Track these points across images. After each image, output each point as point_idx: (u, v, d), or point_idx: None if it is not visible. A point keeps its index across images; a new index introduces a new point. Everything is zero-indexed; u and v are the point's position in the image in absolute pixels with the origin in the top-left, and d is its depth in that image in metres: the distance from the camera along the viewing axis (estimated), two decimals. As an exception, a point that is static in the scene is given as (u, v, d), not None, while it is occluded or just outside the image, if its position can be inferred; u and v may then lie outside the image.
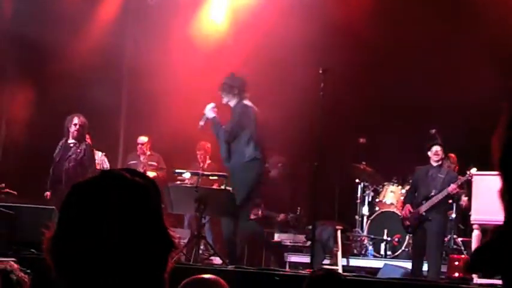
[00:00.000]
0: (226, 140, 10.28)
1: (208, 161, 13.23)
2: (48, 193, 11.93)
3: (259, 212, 12.29)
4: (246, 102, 10.41)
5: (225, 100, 10.39)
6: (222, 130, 10.30)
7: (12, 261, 3.64)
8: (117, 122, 15.36)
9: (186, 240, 10.95)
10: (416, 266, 10.78)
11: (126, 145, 15.11)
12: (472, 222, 10.30)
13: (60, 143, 11.91)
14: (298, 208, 12.91)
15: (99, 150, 13.47)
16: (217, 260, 11.00)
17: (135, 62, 14.73)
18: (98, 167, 12.81)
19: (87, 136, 12.88)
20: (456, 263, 10.07)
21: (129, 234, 1.87)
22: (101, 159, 13.33)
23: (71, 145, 11.79)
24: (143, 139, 13.43)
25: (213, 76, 13.00)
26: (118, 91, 15.21)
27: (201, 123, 10.47)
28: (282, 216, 12.56)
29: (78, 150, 11.73)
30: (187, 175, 11.56)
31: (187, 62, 13.50)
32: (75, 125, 11.73)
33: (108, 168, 13.19)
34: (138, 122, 14.50)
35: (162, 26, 14.14)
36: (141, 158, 13.43)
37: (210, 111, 10.40)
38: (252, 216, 12.07)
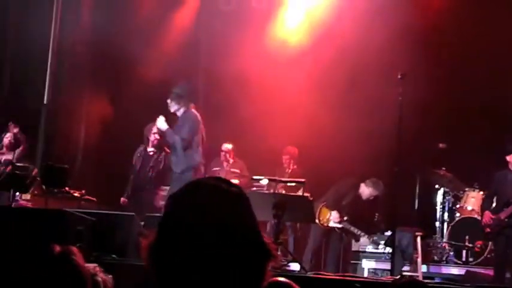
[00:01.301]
0: (184, 148, 10.72)
1: (294, 166, 13.15)
2: (124, 199, 12.03)
3: (339, 222, 12.09)
4: (193, 110, 10.92)
5: (173, 109, 10.93)
6: (178, 138, 10.71)
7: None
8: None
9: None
10: (499, 273, 10.56)
11: (203, 151, 15.14)
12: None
13: (139, 151, 12.01)
14: (376, 214, 12.75)
15: None
16: (295, 266, 10.96)
17: (212, 68, 14.77)
18: None
19: None
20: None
21: (228, 243, 1.88)
22: None
23: (151, 154, 11.88)
24: (227, 146, 13.39)
25: (290, 82, 13.00)
26: (195, 97, 15.27)
27: (157, 136, 11.16)
28: (361, 237, 12.24)
29: (159, 160, 11.82)
30: (264, 181, 11.52)
31: (264, 69, 13.48)
32: (155, 133, 11.81)
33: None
34: (215, 129, 14.54)
35: (236, 32, 14.15)
36: (224, 165, 13.40)
37: (162, 123, 10.95)
38: (332, 224, 11.97)
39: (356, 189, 12.23)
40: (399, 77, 10.06)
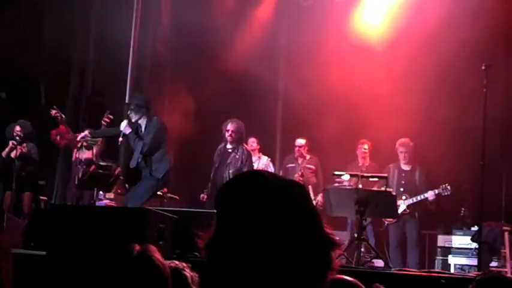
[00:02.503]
0: (145, 152, 11.06)
1: (367, 161, 13.01)
2: (203, 196, 12.08)
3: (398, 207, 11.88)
4: (159, 118, 11.34)
5: (134, 119, 11.20)
6: (141, 143, 11.06)
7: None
8: (273, 122, 15.41)
9: (346, 243, 10.85)
10: None
11: (282, 146, 15.12)
12: None
13: (219, 148, 12.02)
14: (462, 209, 12.51)
15: (265, 155, 13.58)
16: (379, 263, 10.84)
17: (291, 63, 14.74)
18: None
19: (255, 140, 13.07)
20: None
21: (290, 234, 1.84)
22: (265, 164, 13.35)
23: (229, 150, 11.88)
24: (301, 141, 13.28)
25: (372, 77, 12.84)
26: (274, 92, 15.27)
27: (120, 139, 11.33)
28: (430, 194, 11.91)
29: (237, 156, 11.79)
30: (346, 177, 11.42)
31: (344, 63, 13.36)
32: (228, 130, 11.81)
33: None
34: (292, 124, 14.51)
35: (317, 27, 14.06)
36: (300, 161, 13.32)
37: (125, 128, 11.18)
38: (402, 208, 11.75)
39: (394, 169, 12.07)
40: (483, 68, 9.89)
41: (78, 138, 12.25)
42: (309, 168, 13.19)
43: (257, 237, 1.82)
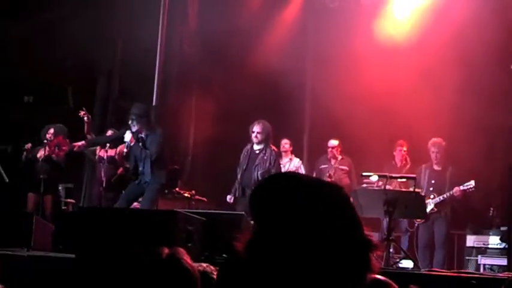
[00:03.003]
0: (153, 160, 11.29)
1: (404, 162, 12.88)
2: (231, 197, 12.07)
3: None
4: (161, 129, 11.63)
5: (135, 129, 11.38)
6: (147, 153, 11.33)
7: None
8: (302, 123, 15.38)
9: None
10: None
11: (310, 147, 15.07)
12: None
13: (245, 149, 11.99)
14: (491, 209, 12.41)
15: (297, 157, 13.55)
16: (409, 264, 10.79)
17: (319, 64, 14.69)
18: None
19: (288, 142, 13.06)
20: None
21: (326, 235, 1.82)
22: (296, 166, 13.30)
23: (257, 152, 11.85)
24: (333, 142, 13.20)
25: (400, 76, 12.75)
26: (302, 93, 15.24)
27: (125, 150, 11.76)
28: (456, 190, 11.77)
29: (265, 157, 11.76)
30: (374, 178, 11.35)
31: (372, 63, 13.30)
32: (253, 132, 11.79)
33: None
34: (322, 125, 14.45)
35: (344, 28, 14.01)
36: (332, 162, 13.25)
37: (131, 139, 11.44)
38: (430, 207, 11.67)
39: (426, 169, 11.97)
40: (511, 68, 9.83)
41: (75, 149, 12.45)
42: (342, 169, 13.12)
43: (295, 239, 1.80)
